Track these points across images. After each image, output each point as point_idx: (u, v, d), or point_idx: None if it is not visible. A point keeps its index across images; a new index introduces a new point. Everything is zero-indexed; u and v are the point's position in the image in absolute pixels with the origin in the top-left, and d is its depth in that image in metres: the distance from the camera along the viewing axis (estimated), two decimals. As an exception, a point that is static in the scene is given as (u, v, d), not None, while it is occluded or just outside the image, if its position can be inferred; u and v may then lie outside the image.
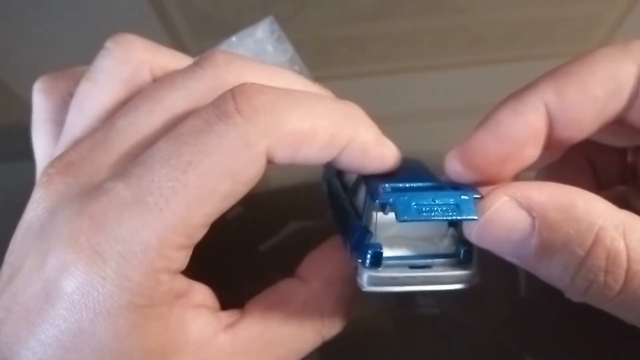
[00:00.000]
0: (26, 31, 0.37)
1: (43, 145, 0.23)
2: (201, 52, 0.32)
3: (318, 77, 0.31)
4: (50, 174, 0.18)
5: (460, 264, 0.18)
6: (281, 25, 0.32)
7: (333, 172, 0.23)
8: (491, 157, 0.18)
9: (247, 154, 0.17)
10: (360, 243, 0.18)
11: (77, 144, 0.19)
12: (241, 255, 0.27)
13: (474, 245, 0.18)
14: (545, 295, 0.25)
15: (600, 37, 0.34)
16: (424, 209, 0.17)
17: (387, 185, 0.18)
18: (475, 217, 0.17)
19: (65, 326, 0.16)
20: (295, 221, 0.28)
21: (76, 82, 0.21)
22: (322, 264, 0.21)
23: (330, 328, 0.21)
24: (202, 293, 0.20)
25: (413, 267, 0.18)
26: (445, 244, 0.19)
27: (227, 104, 0.17)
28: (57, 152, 0.20)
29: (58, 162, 0.19)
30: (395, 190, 0.18)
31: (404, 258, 0.18)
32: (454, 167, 0.18)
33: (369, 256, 0.17)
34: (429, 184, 0.18)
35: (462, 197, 0.17)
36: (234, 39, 0.32)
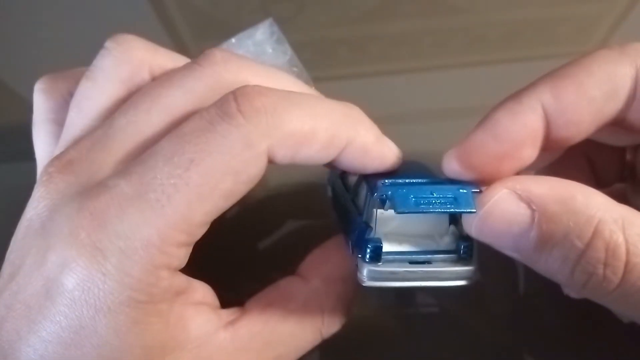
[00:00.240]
0: (26, 31, 0.37)
1: (44, 145, 0.23)
2: (201, 52, 0.32)
3: (318, 77, 0.31)
4: (50, 172, 0.18)
5: (460, 260, 0.18)
6: (281, 25, 0.32)
7: (337, 175, 0.23)
8: (488, 157, 0.18)
9: (248, 154, 0.17)
10: (361, 238, 0.18)
11: (77, 142, 0.19)
12: (240, 254, 0.27)
13: (474, 242, 0.18)
14: (545, 293, 0.25)
15: (600, 38, 0.34)
16: (422, 201, 0.17)
17: (386, 180, 0.18)
18: (474, 210, 0.17)
19: (66, 323, 0.16)
20: (295, 220, 0.28)
21: (77, 82, 0.22)
22: (324, 262, 0.21)
23: (330, 326, 0.21)
24: (201, 291, 0.20)
25: (413, 262, 0.18)
26: (446, 242, 0.19)
27: (229, 105, 0.17)
28: (58, 152, 0.20)
29: (58, 161, 0.19)
30: (394, 184, 0.18)
31: (404, 253, 0.18)
32: (452, 166, 0.19)
33: (368, 250, 0.18)
34: (429, 179, 0.19)
35: (461, 190, 0.18)
36: (233, 40, 0.32)
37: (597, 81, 0.18)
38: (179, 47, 0.35)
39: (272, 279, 0.22)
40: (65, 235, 0.16)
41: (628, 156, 0.23)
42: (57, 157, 0.19)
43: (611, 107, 0.18)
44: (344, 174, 0.23)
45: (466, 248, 0.18)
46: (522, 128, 0.18)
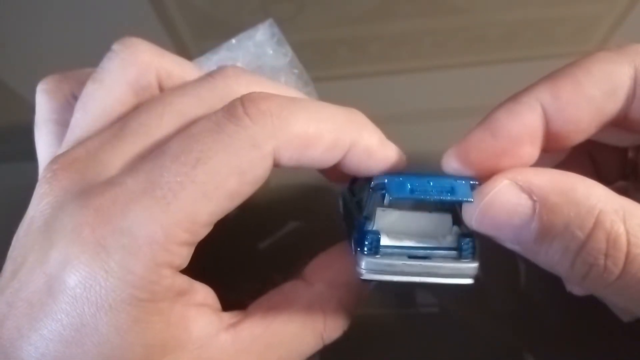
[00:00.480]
0: (26, 31, 0.37)
1: (46, 145, 0.23)
2: (201, 52, 0.32)
3: (318, 77, 0.32)
4: (54, 169, 0.18)
5: (461, 257, 0.18)
6: (281, 26, 0.32)
7: (347, 188, 0.23)
8: (487, 153, 0.18)
9: (254, 154, 0.17)
10: (360, 231, 0.18)
11: (83, 142, 0.19)
12: (242, 256, 0.27)
13: (476, 240, 0.18)
14: (546, 292, 0.25)
15: (600, 37, 0.34)
16: (417, 189, 0.17)
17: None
18: (471, 199, 0.17)
19: (67, 320, 0.16)
20: (296, 222, 0.28)
21: (80, 83, 0.22)
22: (328, 267, 0.21)
23: (332, 331, 0.21)
24: (203, 292, 0.20)
25: (412, 257, 0.18)
26: (449, 241, 0.19)
27: (236, 108, 0.18)
28: (61, 151, 0.20)
29: (63, 159, 0.19)
30: (392, 175, 0.18)
31: (403, 248, 0.18)
32: (451, 163, 0.19)
33: (366, 242, 0.18)
34: (428, 173, 0.19)
35: (458, 181, 0.18)
36: (233, 41, 0.32)
37: (595, 80, 0.18)
38: (179, 47, 0.35)
39: (274, 281, 0.22)
40: (69, 232, 0.17)
41: (630, 154, 0.23)
42: (63, 155, 0.19)
43: (611, 107, 0.18)
44: (352, 185, 0.23)
45: (467, 245, 0.18)
46: (520, 125, 0.18)
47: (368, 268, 0.18)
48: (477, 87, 0.31)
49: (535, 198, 0.16)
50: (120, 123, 0.20)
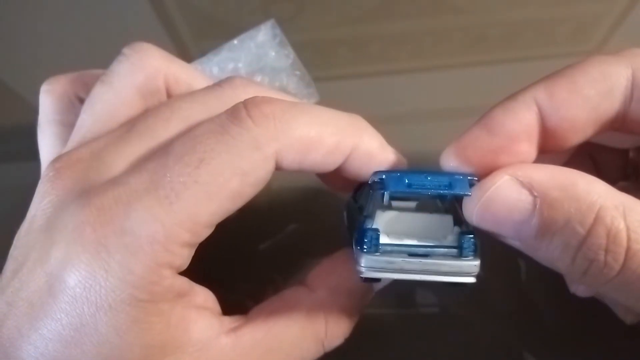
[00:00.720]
0: (26, 32, 0.37)
1: (49, 146, 0.23)
2: (201, 52, 0.32)
3: (318, 77, 0.32)
4: (57, 168, 0.19)
5: (462, 255, 0.18)
6: (281, 26, 0.32)
7: (351, 197, 0.23)
8: (483, 150, 0.18)
9: (256, 156, 0.18)
10: (360, 229, 0.18)
11: (88, 142, 0.20)
12: (243, 259, 0.27)
13: (477, 238, 0.18)
14: (547, 293, 0.25)
15: (600, 37, 0.34)
16: (415, 184, 0.18)
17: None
18: (469, 193, 0.17)
19: (67, 320, 0.16)
20: (297, 225, 0.28)
21: (84, 84, 0.22)
22: (330, 273, 0.21)
23: (333, 338, 0.21)
24: (203, 295, 0.20)
25: (412, 254, 0.18)
26: (449, 240, 0.19)
27: (239, 111, 0.18)
28: (65, 151, 0.20)
29: (66, 158, 0.19)
30: (390, 171, 0.18)
31: (403, 246, 0.18)
32: (449, 161, 0.19)
33: (366, 240, 0.18)
34: (427, 169, 0.19)
35: (456, 177, 0.18)
36: (235, 42, 0.32)
37: (591, 80, 0.18)
38: (179, 47, 0.35)
39: (275, 283, 0.22)
40: (70, 231, 0.17)
41: (631, 154, 0.23)
42: (66, 154, 0.19)
43: (607, 107, 0.18)
44: (356, 194, 0.23)
45: (469, 242, 0.18)
46: (515, 123, 0.18)
47: (368, 265, 0.18)
48: (477, 87, 0.31)
49: (535, 194, 0.17)
50: (126, 126, 0.20)
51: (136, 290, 0.16)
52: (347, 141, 0.19)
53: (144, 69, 0.22)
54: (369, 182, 0.19)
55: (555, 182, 0.16)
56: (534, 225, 0.17)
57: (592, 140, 0.19)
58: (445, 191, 0.17)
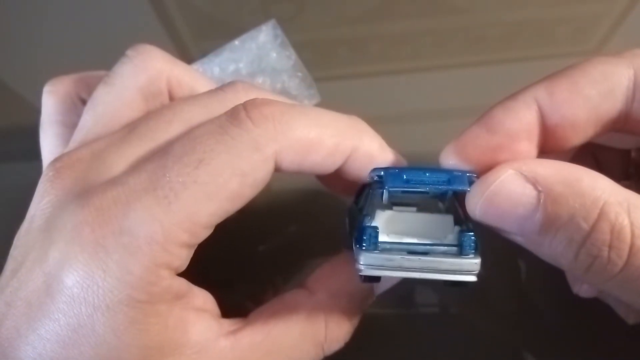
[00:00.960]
0: (27, 32, 0.37)
1: (50, 146, 0.23)
2: (202, 53, 0.32)
3: (318, 77, 0.31)
4: (57, 168, 0.19)
5: (462, 253, 0.18)
6: (281, 26, 0.32)
7: (353, 202, 0.23)
8: (483, 148, 0.18)
9: (256, 157, 0.18)
10: (359, 228, 0.18)
11: (89, 143, 0.20)
12: (243, 260, 0.27)
13: (478, 236, 0.18)
14: (549, 293, 0.25)
15: (600, 38, 0.34)
16: (413, 180, 0.18)
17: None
18: (468, 189, 0.17)
19: (65, 321, 0.16)
20: (297, 226, 0.28)
21: (86, 85, 0.22)
22: (331, 276, 0.21)
23: (332, 341, 0.21)
24: (202, 297, 0.20)
25: (412, 252, 0.18)
26: (449, 239, 0.18)
27: (239, 112, 0.18)
28: (66, 151, 0.20)
29: (67, 157, 0.19)
30: (389, 167, 0.18)
31: (403, 244, 0.18)
32: (449, 159, 0.19)
33: (364, 237, 0.18)
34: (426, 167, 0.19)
35: (455, 173, 0.18)
36: (236, 42, 0.32)
37: (591, 80, 0.18)
38: (179, 47, 0.35)
39: (275, 284, 0.21)
40: (68, 230, 0.17)
41: (633, 154, 0.23)
42: (66, 154, 0.19)
43: (608, 107, 0.18)
44: (357, 199, 0.23)
45: (469, 240, 0.18)
46: (515, 121, 0.18)
47: (366, 263, 0.17)
48: (477, 87, 0.31)
49: (540, 188, 0.16)
50: (128, 127, 0.20)
51: (134, 291, 0.16)
52: (346, 143, 0.19)
53: (147, 71, 0.22)
54: (368, 180, 0.19)
55: (560, 177, 0.16)
56: (538, 220, 0.16)
57: (594, 141, 0.19)
58: (444, 187, 0.17)
